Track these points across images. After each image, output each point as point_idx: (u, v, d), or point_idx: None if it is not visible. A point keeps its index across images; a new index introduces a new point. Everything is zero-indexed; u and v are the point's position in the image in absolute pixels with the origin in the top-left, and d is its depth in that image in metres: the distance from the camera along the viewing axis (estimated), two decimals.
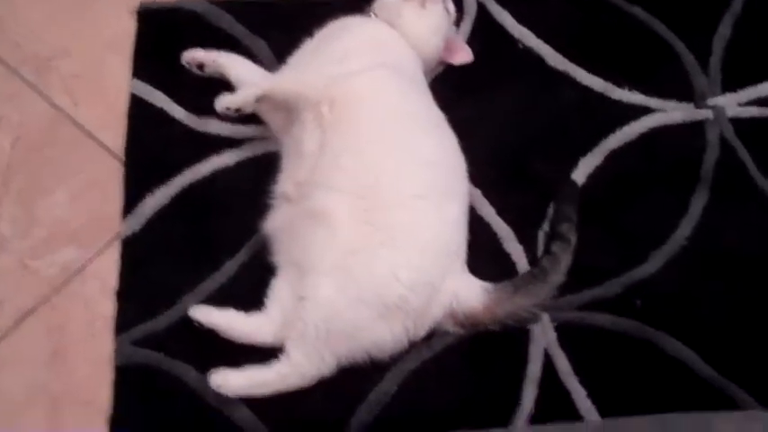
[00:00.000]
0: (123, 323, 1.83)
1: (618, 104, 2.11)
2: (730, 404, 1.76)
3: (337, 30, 2.01)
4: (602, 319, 1.83)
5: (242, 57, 2.09)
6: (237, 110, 1.92)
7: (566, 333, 1.81)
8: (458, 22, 2.18)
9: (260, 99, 1.90)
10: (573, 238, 1.85)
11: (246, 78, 2.01)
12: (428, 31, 2.02)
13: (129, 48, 2.19)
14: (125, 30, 2.22)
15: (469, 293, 1.77)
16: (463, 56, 2.11)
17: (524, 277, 1.83)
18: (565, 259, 1.83)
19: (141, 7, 2.25)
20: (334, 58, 1.91)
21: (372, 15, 2.06)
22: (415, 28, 2.01)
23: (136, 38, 2.20)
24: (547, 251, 1.86)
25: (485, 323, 1.77)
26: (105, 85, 2.16)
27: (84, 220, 1.98)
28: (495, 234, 1.94)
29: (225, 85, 2.04)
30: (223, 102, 1.91)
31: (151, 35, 2.20)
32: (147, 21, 2.22)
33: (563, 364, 1.78)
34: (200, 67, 2.09)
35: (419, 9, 2.01)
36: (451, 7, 2.10)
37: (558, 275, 1.81)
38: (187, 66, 2.10)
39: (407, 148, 1.80)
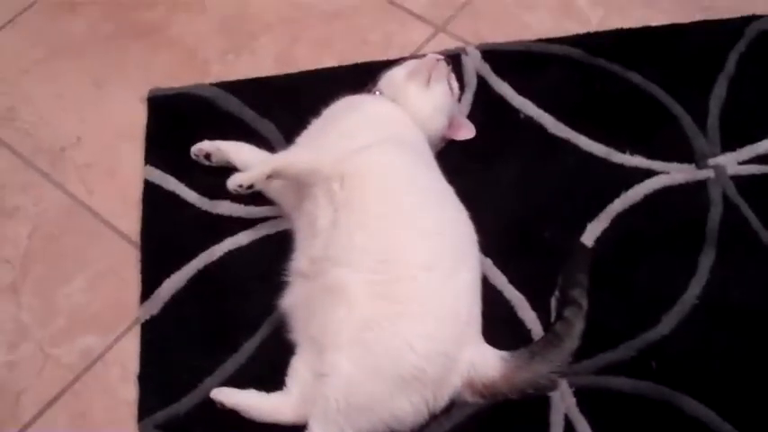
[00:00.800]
0: (145, 408, 1.84)
1: (620, 168, 2.14)
2: None
3: (344, 107, 2.06)
4: (620, 382, 1.83)
5: (246, 143, 2.14)
6: (249, 187, 1.94)
7: (584, 398, 1.82)
8: (459, 96, 2.23)
9: (271, 176, 1.93)
10: (584, 303, 1.87)
11: (252, 162, 2.05)
12: (432, 109, 2.07)
13: (140, 135, 2.25)
14: (136, 117, 2.28)
15: (486, 362, 1.78)
16: (466, 132, 2.15)
17: (540, 344, 1.84)
18: (578, 324, 1.84)
19: (151, 94, 2.31)
20: (342, 134, 1.95)
21: (377, 93, 2.11)
22: (419, 106, 2.05)
23: (147, 125, 2.26)
24: (560, 317, 1.87)
25: (503, 392, 1.77)
26: (119, 173, 2.21)
27: (103, 306, 2.01)
28: (508, 302, 1.95)
29: (234, 169, 2.08)
30: (235, 180, 1.94)
31: (162, 122, 2.26)
32: (157, 108, 2.29)
33: (584, 429, 1.78)
34: (208, 157, 2.14)
35: (424, 87, 2.06)
36: (455, 85, 2.14)
37: (572, 340, 1.83)
38: (195, 158, 2.15)
39: (416, 221, 1.83)
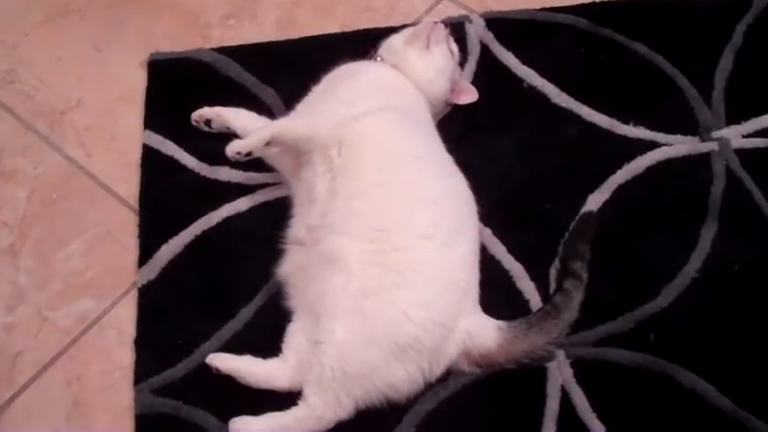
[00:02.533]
0: (142, 372, 1.84)
1: (623, 140, 2.13)
2: None
3: (344, 74, 2.04)
4: (618, 354, 1.83)
5: (246, 109, 2.13)
6: (248, 154, 1.94)
7: (582, 369, 1.81)
8: (462, 63, 2.22)
9: (269, 143, 1.93)
10: (585, 275, 1.86)
11: (252, 129, 2.04)
12: (434, 73, 2.06)
13: (140, 99, 2.24)
14: (136, 81, 2.27)
15: (483, 332, 1.78)
16: (469, 96, 2.14)
17: (537, 315, 1.83)
18: (577, 296, 1.83)
19: (151, 59, 2.29)
20: (341, 101, 1.94)
21: (378, 59, 2.09)
22: (420, 70, 2.04)
23: (147, 89, 2.25)
24: (559, 288, 1.86)
25: (500, 362, 1.77)
26: (118, 137, 2.20)
27: (100, 270, 2.01)
28: (506, 272, 1.95)
29: (234, 135, 2.08)
30: (234, 147, 1.94)
31: (162, 86, 2.25)
32: (158, 72, 2.27)
33: (580, 400, 1.78)
34: (208, 123, 2.13)
35: (424, 51, 2.05)
36: (455, 48, 2.13)
37: (570, 312, 1.82)
38: (195, 124, 2.14)
39: (414, 190, 1.82)
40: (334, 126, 1.86)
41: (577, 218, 1.98)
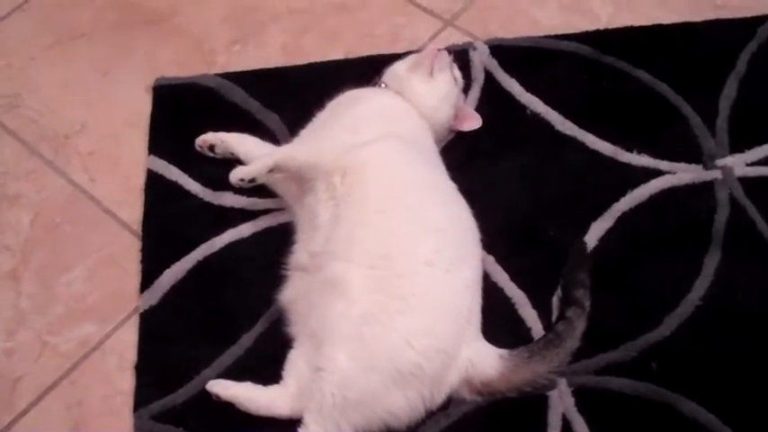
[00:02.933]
0: (142, 398, 1.83)
1: (627, 168, 2.12)
2: None
3: (348, 101, 2.05)
4: (620, 383, 1.81)
5: (250, 135, 2.13)
6: (252, 180, 1.94)
7: (583, 398, 1.80)
8: (466, 90, 2.22)
9: (273, 170, 1.93)
10: (587, 303, 1.85)
11: (255, 155, 2.05)
12: (437, 100, 2.06)
13: (145, 124, 2.24)
14: (141, 106, 2.27)
15: (484, 360, 1.77)
16: (473, 122, 2.14)
17: (540, 343, 1.82)
18: (580, 324, 1.82)
19: (156, 83, 2.30)
20: (345, 128, 1.95)
21: (383, 86, 2.10)
22: (424, 97, 2.05)
23: (151, 114, 2.26)
24: (562, 316, 1.85)
25: (501, 390, 1.76)
26: (122, 162, 2.20)
27: (103, 295, 2.01)
28: (509, 299, 1.94)
29: (238, 160, 2.09)
30: (238, 173, 1.94)
31: (166, 111, 2.26)
32: (163, 97, 2.28)
33: (582, 429, 1.76)
34: (212, 148, 2.14)
35: (427, 78, 2.05)
36: (459, 75, 2.14)
37: (573, 341, 1.81)
38: (199, 149, 2.14)
39: (417, 217, 1.82)
40: (338, 153, 1.86)
41: (571, 249, 1.97)
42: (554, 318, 1.90)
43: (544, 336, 1.84)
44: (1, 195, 2.17)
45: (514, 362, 1.77)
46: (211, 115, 2.23)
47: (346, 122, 1.97)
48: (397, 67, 2.11)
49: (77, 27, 2.48)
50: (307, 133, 2.04)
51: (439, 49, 2.08)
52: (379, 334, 1.70)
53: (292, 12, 2.50)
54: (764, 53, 2.31)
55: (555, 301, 1.92)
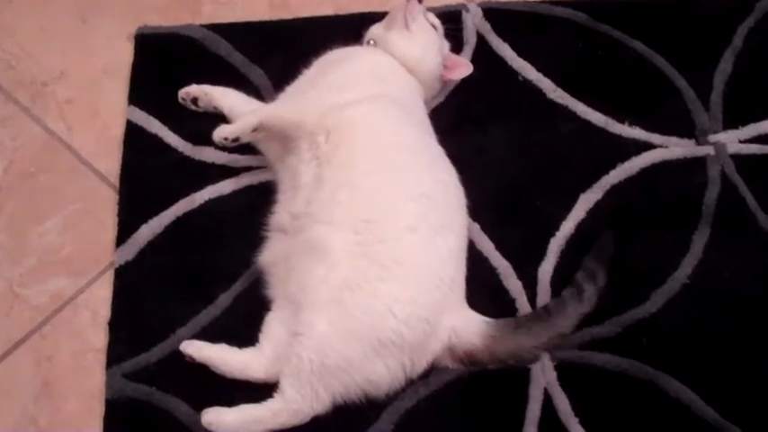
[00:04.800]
0: (114, 356, 1.80)
1: (618, 139, 2.09)
2: None
3: (335, 59, 2.00)
4: (603, 358, 1.80)
5: (234, 89, 2.08)
6: (235, 140, 1.89)
7: (566, 372, 1.78)
8: (457, 52, 2.17)
9: (257, 129, 1.88)
10: (587, 288, 1.80)
11: (239, 110, 2.00)
12: (419, 50, 2.01)
13: (125, 74, 2.17)
14: (122, 55, 2.21)
15: (468, 328, 1.74)
16: (463, 69, 2.09)
17: (528, 316, 1.80)
18: (572, 305, 1.78)
19: (139, 32, 2.23)
20: (331, 87, 1.90)
21: (371, 43, 2.05)
22: (406, 50, 2.00)
23: (133, 64, 2.19)
24: (557, 294, 1.83)
25: (484, 361, 1.74)
26: (101, 111, 2.14)
27: (77, 248, 1.96)
28: (493, 269, 1.91)
29: (220, 115, 2.04)
30: (221, 132, 1.89)
31: (148, 61, 2.19)
32: (145, 46, 2.21)
33: (563, 404, 1.75)
34: (195, 101, 2.08)
35: (404, 31, 2.01)
36: (436, 21, 2.09)
37: (563, 320, 1.77)
38: (182, 102, 2.09)
39: (402, 181, 1.78)
40: (323, 112, 1.82)
41: (597, 237, 1.92)
42: (538, 288, 1.88)
43: (534, 310, 1.82)
44: None
45: (499, 332, 1.74)
46: (195, 67, 2.17)
47: (333, 81, 1.92)
48: (374, 29, 2.07)
49: None
50: (292, 90, 2.00)
51: (408, 0, 2.03)
52: (360, 300, 1.67)
53: None
54: (762, 29, 2.27)
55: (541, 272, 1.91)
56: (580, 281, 1.81)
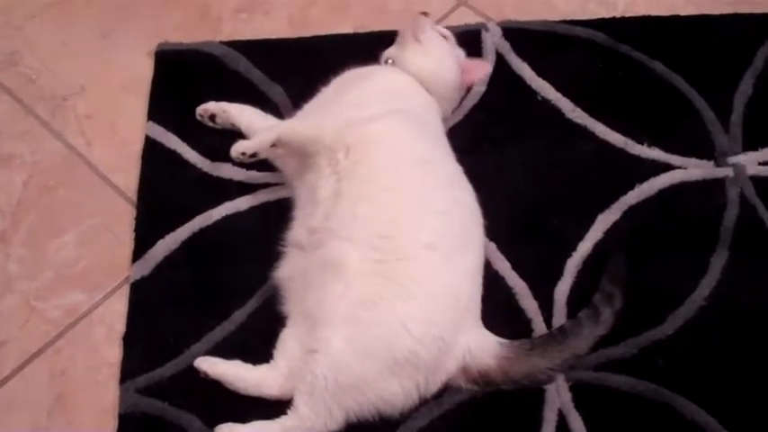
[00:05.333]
0: (129, 370, 1.80)
1: (637, 160, 2.08)
2: None
3: (354, 77, 2.00)
4: (619, 380, 1.78)
5: (252, 106, 2.09)
6: (253, 155, 1.89)
7: (581, 394, 1.76)
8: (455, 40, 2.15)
9: (275, 144, 1.88)
10: (604, 310, 1.78)
11: (257, 128, 2.01)
12: (434, 61, 2.01)
13: (145, 90, 2.19)
14: (142, 71, 2.22)
15: (483, 349, 1.73)
16: (481, 69, 2.10)
17: (543, 337, 1.78)
18: (589, 327, 1.76)
19: (159, 49, 2.25)
20: (350, 104, 1.90)
21: (390, 62, 2.05)
22: (421, 64, 2.00)
23: (152, 79, 2.20)
24: (573, 316, 1.82)
25: (498, 382, 1.72)
26: (120, 127, 2.15)
27: (93, 262, 1.96)
28: (510, 289, 1.90)
29: (239, 132, 2.05)
30: (239, 147, 1.89)
31: (168, 78, 2.20)
32: (165, 63, 2.23)
33: (578, 425, 1.73)
34: (213, 118, 2.09)
35: (416, 46, 2.01)
36: (446, 32, 2.09)
37: (578, 342, 1.75)
38: (200, 118, 2.10)
39: (421, 198, 1.78)
40: (341, 128, 1.82)
41: (610, 258, 1.89)
42: (554, 309, 1.87)
43: (549, 331, 1.81)
44: None
45: (514, 353, 1.73)
46: (214, 84, 2.18)
47: (351, 98, 1.92)
48: (390, 50, 2.07)
49: None
50: (310, 108, 2.00)
51: (414, 17, 2.05)
52: (376, 318, 1.66)
53: None
54: None
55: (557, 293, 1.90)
56: (597, 303, 1.80)
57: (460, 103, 2.12)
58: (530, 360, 1.73)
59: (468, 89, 2.12)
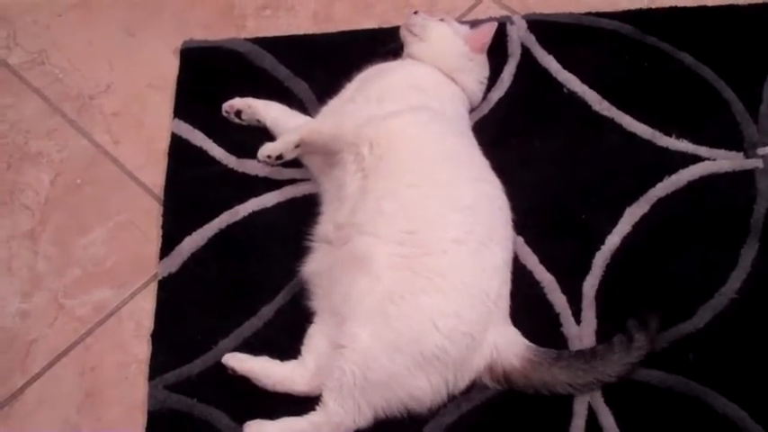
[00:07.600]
0: (157, 367, 1.80)
1: (665, 152, 2.06)
2: None
3: (375, 73, 2.01)
4: (649, 374, 1.76)
5: (277, 102, 2.09)
6: (279, 157, 1.93)
7: (611, 388, 1.74)
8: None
9: (299, 145, 1.90)
10: (639, 338, 1.73)
11: (283, 123, 2.02)
12: (437, 40, 2.04)
13: (171, 87, 2.20)
14: (168, 68, 2.23)
15: (510, 347, 1.72)
16: (487, 30, 2.08)
17: (571, 352, 1.76)
18: (619, 354, 1.71)
19: (184, 46, 2.25)
20: (370, 99, 1.91)
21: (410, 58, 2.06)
22: (429, 51, 2.03)
23: (178, 77, 2.21)
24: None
25: (518, 384, 1.71)
26: (146, 124, 2.16)
27: (121, 259, 1.97)
28: (538, 283, 1.89)
29: (264, 128, 2.06)
30: (264, 151, 1.93)
31: (193, 75, 2.21)
32: (190, 60, 2.23)
33: (608, 420, 1.72)
34: (239, 114, 2.09)
35: (418, 40, 2.05)
36: (436, 17, 2.10)
37: (606, 365, 1.70)
38: (226, 115, 2.10)
39: (448, 193, 1.77)
40: (361, 124, 1.83)
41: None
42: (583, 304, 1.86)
43: (580, 349, 1.78)
44: (22, 153, 2.14)
45: (539, 358, 1.71)
46: (239, 80, 2.18)
47: (373, 93, 1.93)
48: (405, 52, 2.09)
49: None
50: (333, 104, 2.01)
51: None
52: (404, 313, 1.65)
53: None
54: None
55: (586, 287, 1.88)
56: (630, 328, 1.75)
57: (486, 95, 2.11)
58: (551, 370, 1.70)
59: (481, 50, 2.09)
